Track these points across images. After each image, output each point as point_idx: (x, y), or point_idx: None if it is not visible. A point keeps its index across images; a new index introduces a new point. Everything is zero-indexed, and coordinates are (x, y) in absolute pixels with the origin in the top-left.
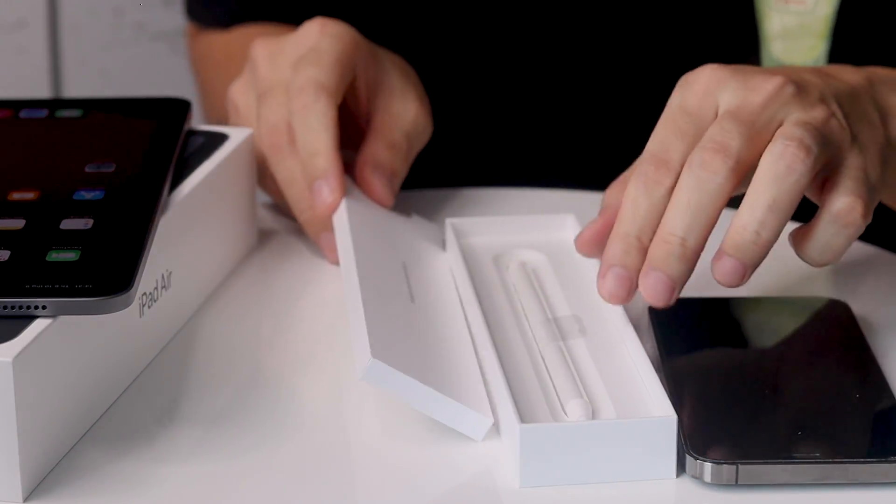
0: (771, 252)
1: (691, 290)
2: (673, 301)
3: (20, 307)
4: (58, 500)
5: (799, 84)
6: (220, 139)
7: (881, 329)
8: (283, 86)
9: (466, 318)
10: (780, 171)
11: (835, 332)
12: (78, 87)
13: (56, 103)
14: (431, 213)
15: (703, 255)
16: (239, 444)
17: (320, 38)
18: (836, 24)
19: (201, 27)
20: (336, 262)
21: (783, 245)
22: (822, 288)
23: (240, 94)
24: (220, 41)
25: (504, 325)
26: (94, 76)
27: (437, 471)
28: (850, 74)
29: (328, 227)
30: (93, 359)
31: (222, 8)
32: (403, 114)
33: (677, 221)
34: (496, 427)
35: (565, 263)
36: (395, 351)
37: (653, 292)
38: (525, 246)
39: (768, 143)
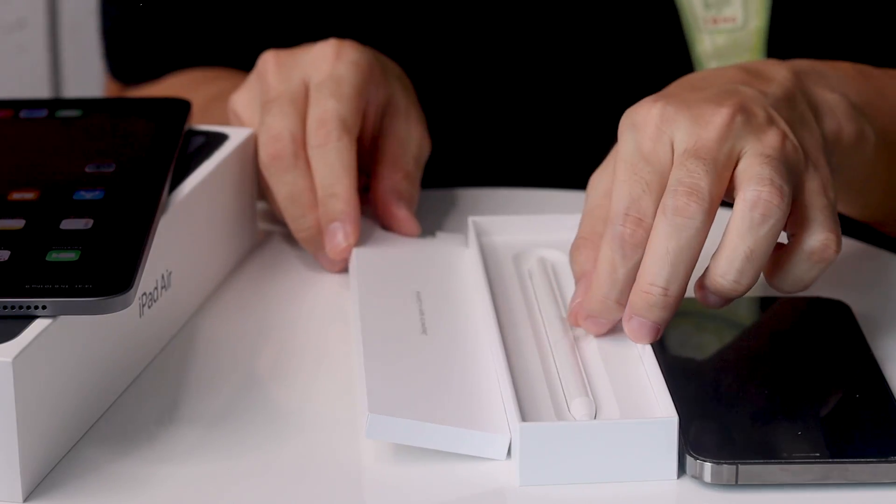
0: None
1: (691, 290)
2: (658, 337)
3: (20, 307)
4: (58, 500)
5: (745, 109)
6: (220, 139)
7: (881, 329)
8: (291, 97)
9: (485, 321)
10: (755, 220)
11: (835, 332)
12: (78, 87)
13: (56, 103)
14: (453, 213)
15: (701, 257)
16: (239, 445)
17: (337, 63)
18: (769, 35)
19: (128, 86)
20: (336, 271)
21: None
22: (822, 288)
23: (243, 103)
24: (155, 93)
25: (517, 323)
26: (94, 76)
27: (437, 469)
28: (779, 73)
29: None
30: (93, 359)
31: (149, 60)
32: (410, 138)
33: (657, 271)
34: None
35: None
36: (397, 397)
37: (637, 336)
38: (545, 245)
39: (732, 174)
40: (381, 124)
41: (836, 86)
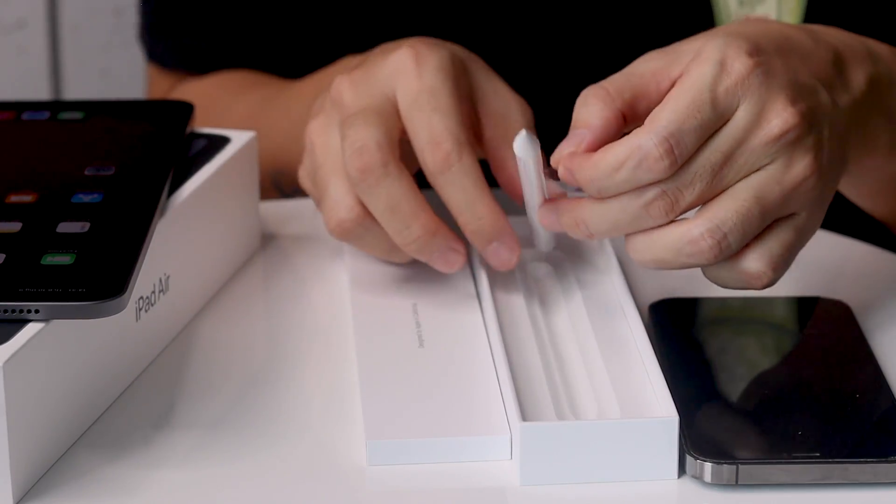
0: None
1: (692, 290)
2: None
3: (13, 311)
4: None
5: (804, 125)
6: (222, 142)
7: (881, 329)
8: (376, 109)
9: (484, 322)
10: (696, 247)
11: (835, 332)
12: (78, 87)
13: (58, 105)
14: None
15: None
16: (235, 450)
17: (423, 73)
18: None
19: (167, 72)
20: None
21: None
22: (822, 288)
23: (319, 131)
24: (196, 91)
25: (518, 323)
26: (94, 76)
27: (437, 469)
28: (859, 77)
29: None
30: (87, 363)
31: (192, 51)
32: (510, 110)
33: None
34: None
35: (587, 262)
36: (394, 417)
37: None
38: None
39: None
40: (477, 111)
41: None
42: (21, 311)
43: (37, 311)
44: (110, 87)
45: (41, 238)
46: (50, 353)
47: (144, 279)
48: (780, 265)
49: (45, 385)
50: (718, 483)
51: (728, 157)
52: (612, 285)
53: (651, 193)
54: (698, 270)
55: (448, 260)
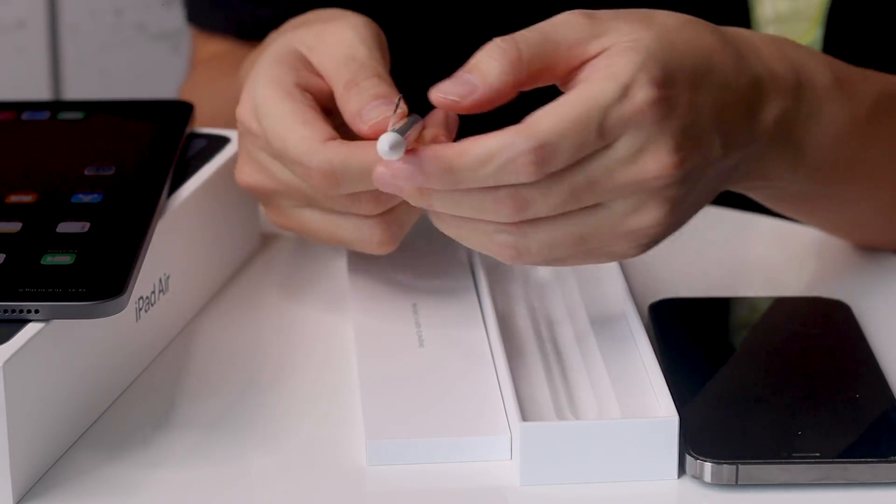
0: (771, 252)
1: (692, 290)
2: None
3: (13, 311)
4: None
5: (671, 179)
6: (222, 142)
7: (881, 329)
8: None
9: (484, 322)
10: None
11: (835, 332)
12: (78, 87)
13: (58, 105)
14: None
15: (699, 259)
16: (235, 450)
17: (252, 97)
18: (830, 8)
19: (215, 38)
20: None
21: (784, 246)
22: (822, 288)
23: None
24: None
25: (518, 324)
26: (94, 77)
27: (437, 469)
28: (771, 112)
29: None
30: (87, 363)
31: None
32: (336, 46)
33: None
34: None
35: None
36: (394, 417)
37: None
38: None
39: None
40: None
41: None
42: (21, 311)
43: (37, 311)
44: (110, 87)
45: (41, 238)
46: (50, 353)
47: (144, 279)
48: (546, 262)
49: (45, 385)
50: (718, 483)
51: (592, 184)
52: (612, 285)
53: (504, 191)
54: (698, 270)
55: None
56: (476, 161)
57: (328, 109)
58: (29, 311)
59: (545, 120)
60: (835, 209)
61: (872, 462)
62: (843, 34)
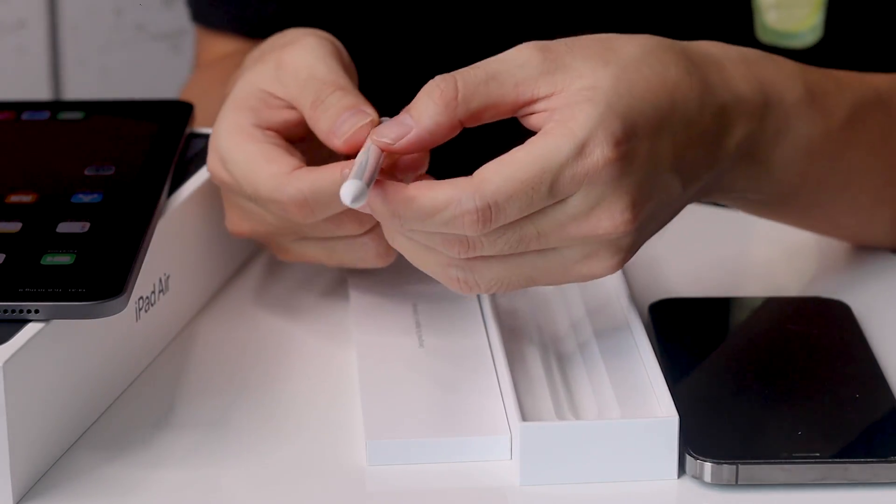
0: (771, 252)
1: (692, 290)
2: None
3: (13, 311)
4: None
5: (624, 232)
6: None
7: (881, 329)
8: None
9: (484, 322)
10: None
11: (835, 332)
12: (78, 87)
13: (58, 105)
14: None
15: (699, 259)
16: (235, 450)
17: (214, 146)
18: None
19: (221, 37)
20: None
21: (784, 246)
22: (822, 288)
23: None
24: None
25: (519, 324)
26: (94, 77)
27: (437, 469)
28: (729, 137)
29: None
30: (87, 363)
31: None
32: (295, 70)
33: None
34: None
35: None
36: (394, 418)
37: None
38: None
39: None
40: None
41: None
42: (21, 311)
43: (37, 311)
44: (110, 87)
45: (41, 238)
46: (50, 353)
47: (144, 279)
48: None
49: (44, 385)
50: (718, 483)
51: (542, 235)
52: (612, 285)
53: (453, 235)
54: (698, 270)
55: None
56: (422, 212)
57: (303, 137)
58: (29, 311)
59: (495, 178)
60: (807, 213)
61: (872, 462)
62: (845, 19)
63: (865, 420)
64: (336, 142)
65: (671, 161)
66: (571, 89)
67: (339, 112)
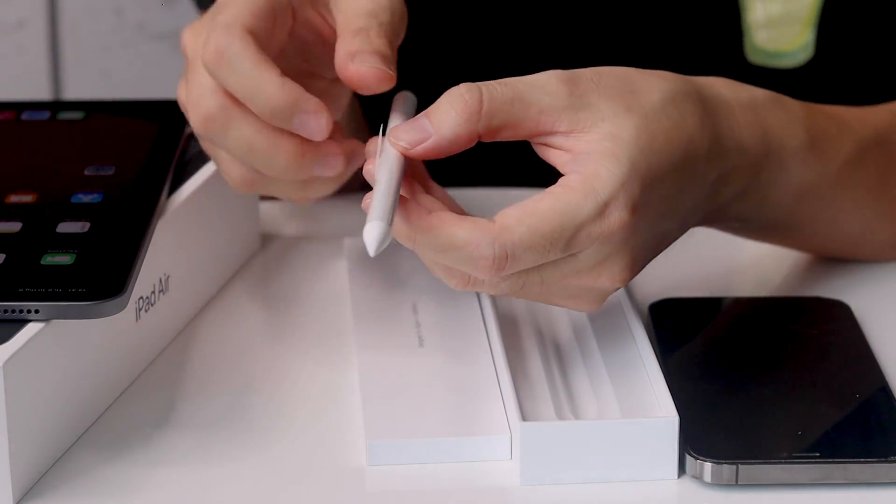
0: (771, 252)
1: (692, 290)
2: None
3: (13, 311)
4: None
5: (617, 287)
6: None
7: (881, 329)
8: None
9: (484, 322)
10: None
11: (835, 332)
12: (78, 87)
13: (58, 105)
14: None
15: (699, 259)
16: (235, 450)
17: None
18: (822, 10)
19: None
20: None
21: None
22: (822, 288)
23: (188, 36)
24: None
25: (518, 324)
26: (94, 77)
27: (437, 469)
28: (726, 188)
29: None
30: (87, 363)
31: None
32: (358, 1)
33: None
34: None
35: None
36: (394, 418)
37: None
38: None
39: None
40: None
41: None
42: (21, 311)
43: (37, 311)
44: (110, 87)
45: (41, 238)
46: (50, 353)
47: (144, 279)
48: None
49: (44, 385)
50: (718, 483)
51: (545, 283)
52: None
53: (457, 270)
54: (698, 270)
55: (331, 165)
56: (438, 244)
57: (306, 47)
58: (29, 311)
59: (517, 228)
60: (793, 240)
61: (872, 462)
62: (836, 37)
63: (865, 420)
64: (349, 64)
65: (674, 210)
66: (593, 133)
67: (373, 52)
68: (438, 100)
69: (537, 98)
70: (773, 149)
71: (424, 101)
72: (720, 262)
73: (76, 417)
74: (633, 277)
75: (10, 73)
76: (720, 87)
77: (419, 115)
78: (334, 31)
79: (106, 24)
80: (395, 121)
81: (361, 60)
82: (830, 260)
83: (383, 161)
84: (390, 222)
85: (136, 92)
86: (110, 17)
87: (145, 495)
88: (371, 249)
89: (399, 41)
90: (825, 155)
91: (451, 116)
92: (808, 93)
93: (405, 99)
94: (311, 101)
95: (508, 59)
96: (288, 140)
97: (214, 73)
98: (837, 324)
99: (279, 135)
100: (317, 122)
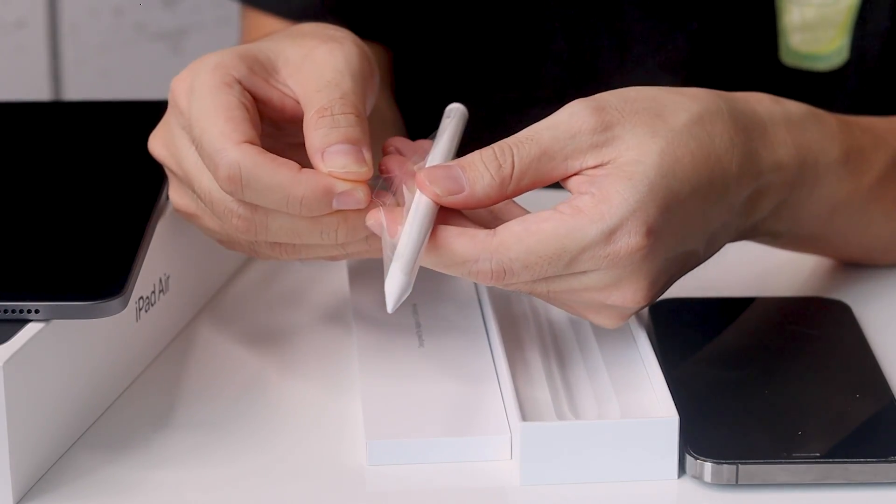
0: (771, 252)
1: (692, 290)
2: None
3: (13, 311)
4: None
5: (633, 308)
6: None
7: (881, 329)
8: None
9: (485, 322)
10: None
11: (835, 332)
12: (78, 87)
13: (58, 105)
14: None
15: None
16: (235, 450)
17: (191, 98)
18: (860, 13)
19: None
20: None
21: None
22: (822, 288)
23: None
24: None
25: (519, 324)
26: (94, 77)
27: (437, 469)
28: (761, 205)
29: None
30: (87, 363)
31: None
32: (323, 68)
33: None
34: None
35: None
36: (394, 418)
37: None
38: None
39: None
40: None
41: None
42: (21, 311)
43: (37, 311)
44: (110, 87)
45: (42, 238)
46: (49, 354)
47: (144, 279)
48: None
49: (44, 385)
50: (718, 483)
51: (552, 293)
52: None
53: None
54: (699, 270)
55: (356, 200)
56: (439, 261)
57: (276, 123)
58: (29, 311)
59: (514, 247)
60: (818, 249)
61: (872, 462)
62: (871, 41)
63: (865, 420)
64: (320, 165)
65: (699, 230)
66: (617, 163)
67: (341, 139)
68: (472, 155)
69: (563, 145)
70: (808, 165)
71: (424, 99)
72: (720, 262)
73: (76, 418)
74: (655, 297)
75: (10, 73)
76: (754, 102)
77: (454, 163)
78: (297, 103)
79: (106, 24)
80: (442, 139)
81: (330, 162)
82: (830, 260)
83: (416, 206)
84: (414, 274)
85: (135, 92)
86: (110, 17)
87: (145, 495)
88: (390, 305)
89: (373, 94)
90: (859, 169)
91: (485, 179)
92: (841, 96)
93: (456, 115)
94: (341, 183)
95: (521, 57)
96: (329, 216)
97: (236, 196)
98: (837, 324)
99: (296, 174)
100: (353, 197)
